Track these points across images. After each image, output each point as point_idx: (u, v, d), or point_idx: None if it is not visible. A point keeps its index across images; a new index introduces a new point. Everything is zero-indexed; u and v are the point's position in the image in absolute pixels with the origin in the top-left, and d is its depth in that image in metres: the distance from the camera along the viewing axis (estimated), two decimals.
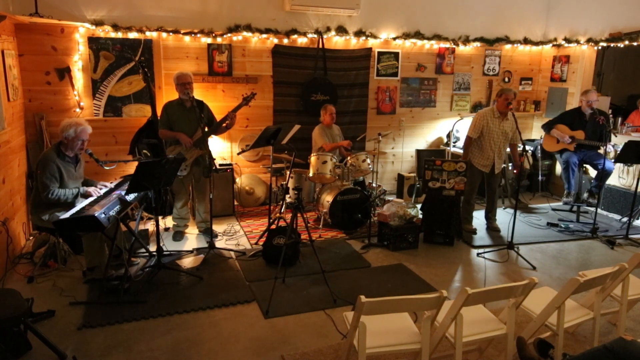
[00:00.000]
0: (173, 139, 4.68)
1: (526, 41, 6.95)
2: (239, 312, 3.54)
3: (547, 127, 5.96)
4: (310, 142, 5.77)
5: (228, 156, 5.99)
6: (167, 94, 5.39)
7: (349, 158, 5.42)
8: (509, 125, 5.11)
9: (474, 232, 5.29)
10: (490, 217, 5.49)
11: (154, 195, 3.92)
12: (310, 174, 5.26)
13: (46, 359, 2.86)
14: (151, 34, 5.33)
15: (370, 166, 5.50)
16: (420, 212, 5.09)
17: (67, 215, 3.49)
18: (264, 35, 5.74)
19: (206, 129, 4.70)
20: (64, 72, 5.08)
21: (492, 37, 6.77)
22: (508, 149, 5.48)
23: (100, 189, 4.10)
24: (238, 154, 5.61)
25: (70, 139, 3.80)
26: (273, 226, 4.82)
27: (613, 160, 5.57)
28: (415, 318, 3.18)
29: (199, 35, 5.49)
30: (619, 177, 6.06)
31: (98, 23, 5.08)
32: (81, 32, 5.09)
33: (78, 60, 5.14)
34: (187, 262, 4.38)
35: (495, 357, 2.96)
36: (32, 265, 4.15)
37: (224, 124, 4.73)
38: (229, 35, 5.60)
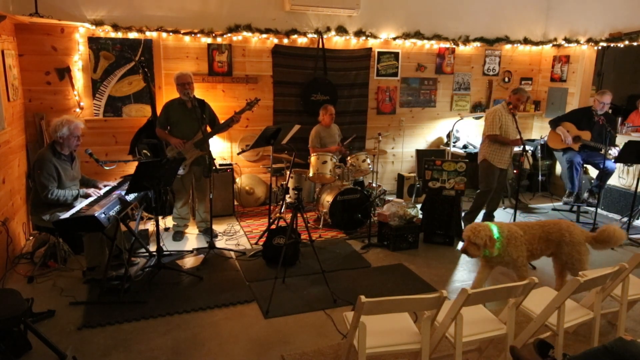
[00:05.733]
0: (166, 140, 4.67)
1: (526, 41, 6.95)
2: (239, 312, 3.54)
3: (554, 123, 5.89)
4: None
5: (228, 156, 5.99)
6: (167, 94, 5.38)
7: (349, 158, 5.42)
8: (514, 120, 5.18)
9: None
10: (492, 216, 5.49)
11: (154, 195, 3.92)
12: (310, 174, 5.26)
13: (46, 359, 2.86)
14: (151, 34, 5.33)
15: (370, 166, 5.50)
16: (420, 212, 5.09)
17: (67, 215, 3.50)
18: (264, 35, 5.74)
19: (208, 129, 4.70)
20: (64, 72, 5.08)
21: (492, 37, 6.77)
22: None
23: (101, 189, 4.11)
24: (238, 154, 5.61)
25: (66, 137, 3.79)
26: (273, 226, 4.81)
27: (613, 160, 5.57)
28: (415, 318, 3.18)
29: (199, 35, 5.49)
30: (619, 177, 6.05)
31: (98, 23, 5.08)
32: (81, 32, 5.09)
33: (78, 60, 5.14)
34: (187, 262, 4.38)
35: (495, 357, 2.96)
36: (32, 265, 4.15)
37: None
38: (229, 35, 5.60)
